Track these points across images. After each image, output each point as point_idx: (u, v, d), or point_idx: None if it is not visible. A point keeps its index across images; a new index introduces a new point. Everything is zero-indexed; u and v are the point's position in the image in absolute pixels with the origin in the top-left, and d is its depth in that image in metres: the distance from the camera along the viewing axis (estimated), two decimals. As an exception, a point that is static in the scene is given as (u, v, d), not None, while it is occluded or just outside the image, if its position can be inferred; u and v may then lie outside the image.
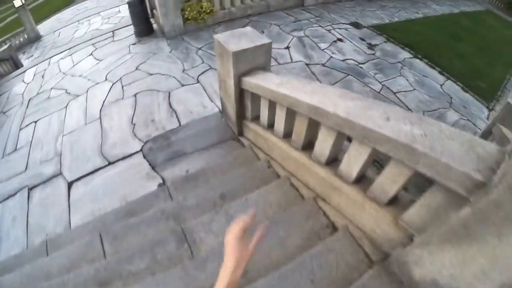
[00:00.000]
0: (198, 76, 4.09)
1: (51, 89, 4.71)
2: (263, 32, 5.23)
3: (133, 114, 3.62)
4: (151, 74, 4.28)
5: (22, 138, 3.88)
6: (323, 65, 4.48)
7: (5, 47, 7.02)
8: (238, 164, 2.55)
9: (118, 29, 6.05)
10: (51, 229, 2.60)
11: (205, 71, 4.21)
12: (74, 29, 10.54)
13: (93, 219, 2.45)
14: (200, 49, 4.79)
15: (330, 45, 4.98)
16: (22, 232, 2.70)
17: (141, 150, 3.18)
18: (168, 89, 3.91)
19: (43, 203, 2.89)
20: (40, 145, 3.62)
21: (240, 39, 2.18)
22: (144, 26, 5.45)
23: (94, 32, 9.65)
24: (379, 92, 4.17)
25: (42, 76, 5.23)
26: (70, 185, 2.95)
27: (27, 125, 4.08)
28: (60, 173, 3.11)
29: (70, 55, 5.63)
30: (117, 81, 4.28)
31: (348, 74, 4.37)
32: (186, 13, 5.11)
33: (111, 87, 4.21)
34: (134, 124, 3.50)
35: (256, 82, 2.10)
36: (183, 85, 3.94)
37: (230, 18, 5.69)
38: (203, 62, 4.41)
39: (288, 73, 4.20)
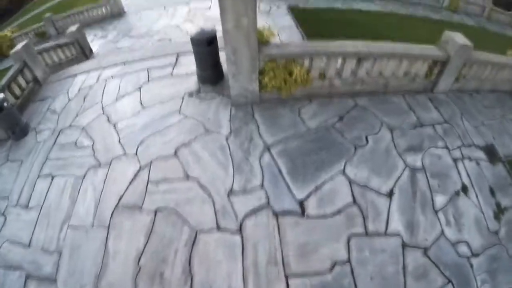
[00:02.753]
0: (245, 217, 2.74)
1: (82, 129, 3.91)
2: (366, 140, 3.46)
3: (143, 250, 2.63)
4: (188, 178, 3.06)
5: (36, 193, 3.40)
6: (425, 252, 2.67)
7: (73, 28, 6.31)
8: None
9: (186, 52, 4.88)
10: None
11: (258, 210, 2.80)
12: (157, 16, 9.81)
13: None
14: (269, 149, 3.26)
15: (448, 203, 3.03)
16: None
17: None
18: (197, 225, 2.71)
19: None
20: (47, 221, 3.10)
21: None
22: (210, 73, 4.15)
23: (171, 30, 8.94)
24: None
25: (84, 99, 4.46)
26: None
27: (45, 176, 3.52)
28: (55, 281, 2.64)
29: (121, 76, 4.72)
30: (145, 167, 3.22)
31: (449, 282, 2.55)
32: (266, 79, 3.61)
33: (136, 174, 3.18)
34: (140, 268, 2.55)
35: None
36: (219, 228, 2.68)
37: (329, 92, 3.94)
38: (262, 186, 2.96)
39: (365, 264, 2.52)
